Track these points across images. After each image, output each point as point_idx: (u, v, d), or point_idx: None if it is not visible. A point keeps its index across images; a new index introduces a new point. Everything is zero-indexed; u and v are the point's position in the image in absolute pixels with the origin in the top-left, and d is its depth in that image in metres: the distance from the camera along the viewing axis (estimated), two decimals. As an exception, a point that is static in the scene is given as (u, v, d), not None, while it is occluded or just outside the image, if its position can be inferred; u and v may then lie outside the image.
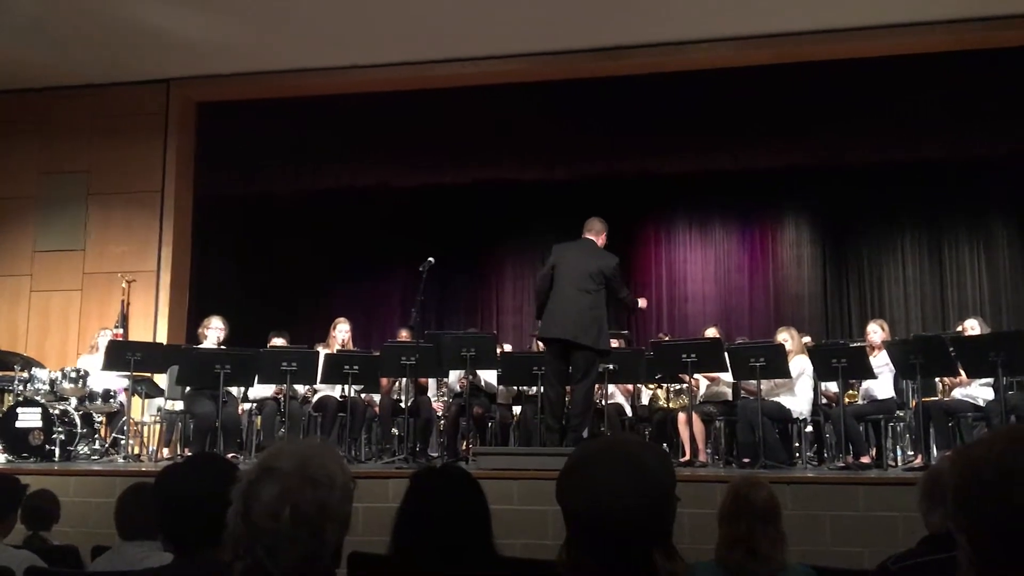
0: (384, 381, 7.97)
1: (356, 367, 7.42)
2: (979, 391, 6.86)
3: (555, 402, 6.55)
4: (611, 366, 7.27)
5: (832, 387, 7.40)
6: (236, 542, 1.56)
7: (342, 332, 8.11)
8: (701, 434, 7.30)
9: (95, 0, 8.41)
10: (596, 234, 6.78)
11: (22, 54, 9.45)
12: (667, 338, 8.78)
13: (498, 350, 7.97)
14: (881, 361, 7.08)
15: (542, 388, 7.10)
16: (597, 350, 6.47)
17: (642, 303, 7.12)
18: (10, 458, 7.33)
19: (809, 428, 7.60)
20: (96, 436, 8.03)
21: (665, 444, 7.67)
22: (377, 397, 8.14)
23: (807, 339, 8.31)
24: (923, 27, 8.62)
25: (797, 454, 7.38)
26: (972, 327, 7.20)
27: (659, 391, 8.45)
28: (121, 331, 9.32)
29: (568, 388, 6.62)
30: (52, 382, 7.88)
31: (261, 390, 7.91)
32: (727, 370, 7.27)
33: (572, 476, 1.55)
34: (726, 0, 8.34)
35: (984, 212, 11.21)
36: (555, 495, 1.57)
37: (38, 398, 7.68)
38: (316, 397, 7.94)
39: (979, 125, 9.22)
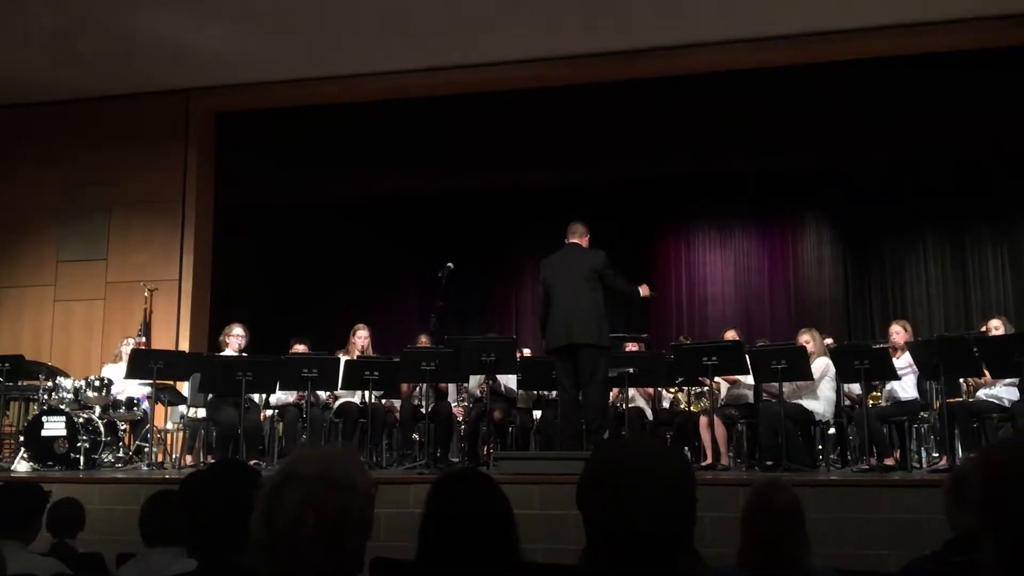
0: (404, 387, 7.99)
1: (376, 373, 7.43)
2: (1004, 391, 6.78)
3: (570, 406, 6.55)
4: (631, 369, 7.25)
5: (855, 389, 7.34)
6: (260, 548, 1.56)
7: (362, 338, 8.13)
8: (723, 437, 7.27)
9: (114, 13, 8.49)
10: (580, 236, 6.82)
11: (43, 67, 9.56)
12: (688, 341, 8.74)
13: (517, 354, 7.97)
14: (904, 362, 7.02)
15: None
16: (600, 346, 6.47)
17: (643, 290, 6.91)
18: (35, 466, 7.39)
19: (832, 430, 7.55)
20: (120, 444, 8.09)
21: (687, 447, 7.64)
22: (398, 403, 8.16)
23: (829, 340, 8.25)
24: (944, 25, 8.53)
25: (820, 456, 7.32)
26: (997, 327, 7.11)
27: (680, 394, 8.42)
28: (144, 339, 9.40)
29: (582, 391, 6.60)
30: (76, 391, 7.95)
31: (283, 396, 7.95)
32: (748, 373, 7.23)
33: (593, 481, 1.54)
34: (741, 1, 8.31)
35: (1007, 211, 11.10)
36: (575, 500, 1.56)
37: (62, 407, 7.74)
38: (337, 403, 7.96)
39: (1000, 124, 9.13)
